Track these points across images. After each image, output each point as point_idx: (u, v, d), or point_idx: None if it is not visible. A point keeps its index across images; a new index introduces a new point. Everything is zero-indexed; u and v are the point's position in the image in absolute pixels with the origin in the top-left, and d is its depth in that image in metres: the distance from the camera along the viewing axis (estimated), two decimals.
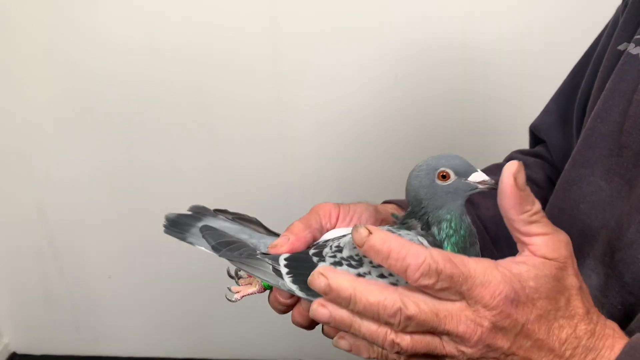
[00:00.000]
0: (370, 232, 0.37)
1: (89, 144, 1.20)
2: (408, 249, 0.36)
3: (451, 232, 0.42)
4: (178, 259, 1.28)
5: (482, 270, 0.36)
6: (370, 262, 0.41)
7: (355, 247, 0.41)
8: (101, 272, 1.34)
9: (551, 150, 0.64)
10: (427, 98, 1.07)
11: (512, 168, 0.38)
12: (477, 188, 0.41)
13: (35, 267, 1.34)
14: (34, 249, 1.32)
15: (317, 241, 0.46)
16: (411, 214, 0.44)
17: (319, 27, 1.06)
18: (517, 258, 0.38)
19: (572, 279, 0.38)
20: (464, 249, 0.42)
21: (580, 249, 0.49)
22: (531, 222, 0.38)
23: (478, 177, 0.41)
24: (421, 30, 1.04)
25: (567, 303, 0.38)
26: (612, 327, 0.40)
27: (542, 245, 0.38)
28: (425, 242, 0.41)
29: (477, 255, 0.42)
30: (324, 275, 0.38)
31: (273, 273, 0.44)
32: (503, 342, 0.37)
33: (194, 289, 1.32)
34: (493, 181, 0.41)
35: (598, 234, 0.48)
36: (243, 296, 0.48)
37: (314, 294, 0.40)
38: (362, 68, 1.09)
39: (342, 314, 0.39)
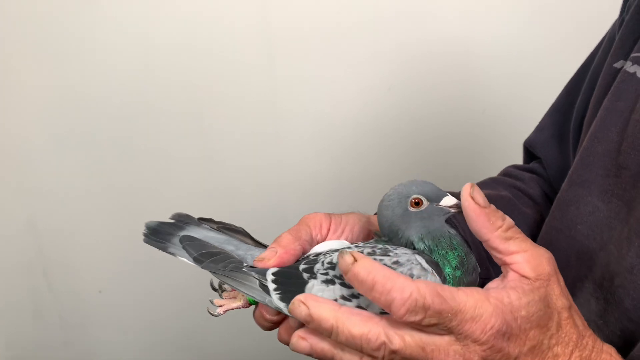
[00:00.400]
0: (355, 260, 0.35)
1: (81, 156, 1.19)
2: (394, 282, 0.34)
3: (444, 250, 0.41)
4: (171, 274, 1.26)
5: (472, 304, 0.35)
6: None
7: None
8: (92, 286, 1.32)
9: (547, 167, 0.63)
10: (421, 109, 1.06)
11: (466, 190, 0.38)
12: (449, 212, 0.41)
13: (23, 281, 1.32)
14: (22, 263, 1.30)
15: (307, 254, 0.44)
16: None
17: (312, 39, 1.06)
18: (508, 283, 0.37)
19: (561, 300, 0.37)
20: (462, 264, 0.40)
21: (578, 272, 0.48)
22: (507, 239, 0.37)
23: (449, 201, 0.41)
24: (416, 43, 1.03)
25: (559, 328, 0.37)
26: (608, 351, 0.38)
27: (524, 262, 0.37)
28: (423, 262, 0.40)
29: (474, 267, 0.41)
30: (304, 303, 0.37)
31: (260, 289, 0.42)
32: None
33: (187, 304, 1.30)
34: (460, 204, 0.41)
35: (596, 257, 0.47)
36: (226, 311, 0.46)
37: None
38: (356, 79, 1.08)
39: (323, 346, 0.38)
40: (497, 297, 0.36)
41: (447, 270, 0.40)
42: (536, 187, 0.62)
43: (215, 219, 0.47)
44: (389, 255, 0.40)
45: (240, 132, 1.15)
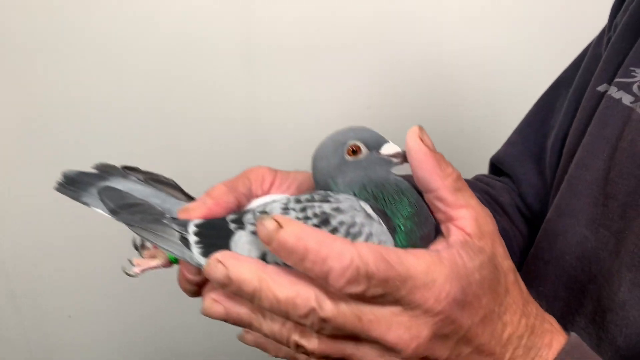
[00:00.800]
0: (280, 225, 0.30)
1: (47, 176, 1.15)
2: (330, 248, 0.29)
3: (391, 196, 0.35)
4: (143, 298, 1.23)
5: (424, 268, 0.30)
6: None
7: (285, 212, 0.34)
8: (61, 311, 1.28)
9: (516, 184, 0.60)
10: (400, 129, 1.04)
11: (414, 132, 0.34)
12: (391, 162, 0.36)
13: None
14: None
15: (244, 210, 0.39)
16: None
17: (292, 57, 1.04)
18: (455, 243, 0.32)
19: (507, 261, 0.34)
20: (414, 213, 0.34)
21: (569, 305, 0.47)
22: (457, 190, 0.32)
23: (391, 149, 0.36)
24: (396, 62, 1.02)
25: (507, 293, 0.33)
26: (549, 320, 0.36)
27: (470, 218, 0.32)
28: (368, 208, 0.34)
29: (427, 216, 0.35)
30: (222, 262, 0.32)
31: (180, 242, 0.36)
32: (441, 352, 0.31)
33: (159, 328, 1.26)
34: (404, 152, 0.36)
35: (586, 290, 0.45)
36: (144, 270, 0.40)
37: None
38: (335, 98, 1.07)
39: (240, 311, 0.33)
40: (449, 258, 0.31)
41: (397, 220, 0.34)
42: (507, 196, 0.59)
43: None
44: (328, 201, 0.34)
45: (218, 151, 1.13)
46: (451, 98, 1.04)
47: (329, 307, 0.30)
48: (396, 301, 0.30)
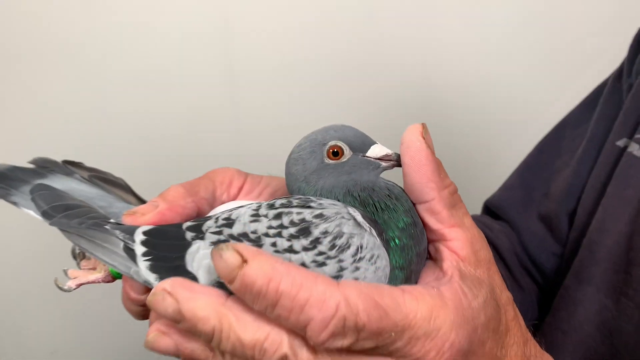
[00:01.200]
0: (244, 259, 0.23)
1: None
2: (310, 291, 0.23)
3: (383, 203, 0.29)
4: (129, 332, 1.18)
5: (426, 314, 0.25)
6: (274, 244, 0.27)
7: (255, 220, 0.28)
8: (44, 347, 1.23)
9: (515, 230, 0.55)
10: (386, 142, 1.02)
11: (416, 129, 0.28)
12: (380, 166, 0.31)
13: None
14: None
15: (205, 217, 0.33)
16: None
17: (274, 80, 1.01)
18: (451, 272, 0.27)
19: (505, 292, 0.29)
20: (409, 224, 0.29)
21: None
22: (453, 205, 0.28)
23: (379, 150, 0.31)
24: (381, 78, 0.98)
25: (507, 331, 0.29)
26: None
27: (466, 241, 0.28)
28: (358, 215, 0.29)
29: (422, 229, 0.29)
30: (171, 294, 0.25)
31: (123, 254, 0.30)
32: None
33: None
34: (397, 155, 0.31)
35: None
36: (79, 285, 0.34)
37: None
38: (319, 123, 1.04)
39: (193, 347, 0.27)
40: (453, 298, 0.26)
41: (391, 232, 0.29)
42: (505, 240, 0.54)
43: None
44: (310, 207, 0.29)
45: (200, 163, 1.10)
46: (438, 122, 1.00)
47: (305, 357, 0.24)
48: (390, 353, 0.25)
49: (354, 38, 0.97)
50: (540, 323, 0.49)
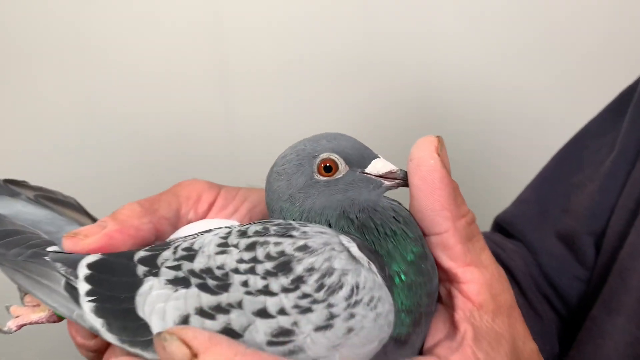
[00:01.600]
0: (194, 353, 0.19)
1: None
2: None
3: (387, 228, 0.24)
4: None
5: None
6: (245, 282, 0.22)
7: (222, 252, 0.24)
8: (40, 346, 1.19)
9: (532, 252, 0.49)
10: (385, 153, 0.99)
11: (431, 142, 0.23)
12: (382, 185, 0.26)
13: None
14: None
15: (167, 240, 0.28)
16: None
17: (270, 91, 0.97)
18: (464, 315, 0.23)
19: (530, 344, 0.25)
20: (419, 256, 0.24)
21: None
22: (469, 239, 0.24)
23: (381, 166, 0.26)
24: (378, 82, 0.94)
25: None
26: None
27: (483, 285, 0.23)
28: (353, 246, 0.24)
29: (433, 263, 0.24)
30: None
31: (65, 293, 0.25)
32: None
33: None
34: (403, 172, 0.26)
35: None
36: (22, 326, 0.29)
37: (132, 338, 0.23)
38: (315, 117, 0.99)
39: None
40: None
41: (396, 266, 0.24)
42: (520, 262, 0.48)
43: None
44: (291, 236, 0.24)
45: (194, 171, 1.07)
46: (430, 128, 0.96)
47: None
48: None
49: (357, 33, 0.93)
50: (562, 358, 0.44)
